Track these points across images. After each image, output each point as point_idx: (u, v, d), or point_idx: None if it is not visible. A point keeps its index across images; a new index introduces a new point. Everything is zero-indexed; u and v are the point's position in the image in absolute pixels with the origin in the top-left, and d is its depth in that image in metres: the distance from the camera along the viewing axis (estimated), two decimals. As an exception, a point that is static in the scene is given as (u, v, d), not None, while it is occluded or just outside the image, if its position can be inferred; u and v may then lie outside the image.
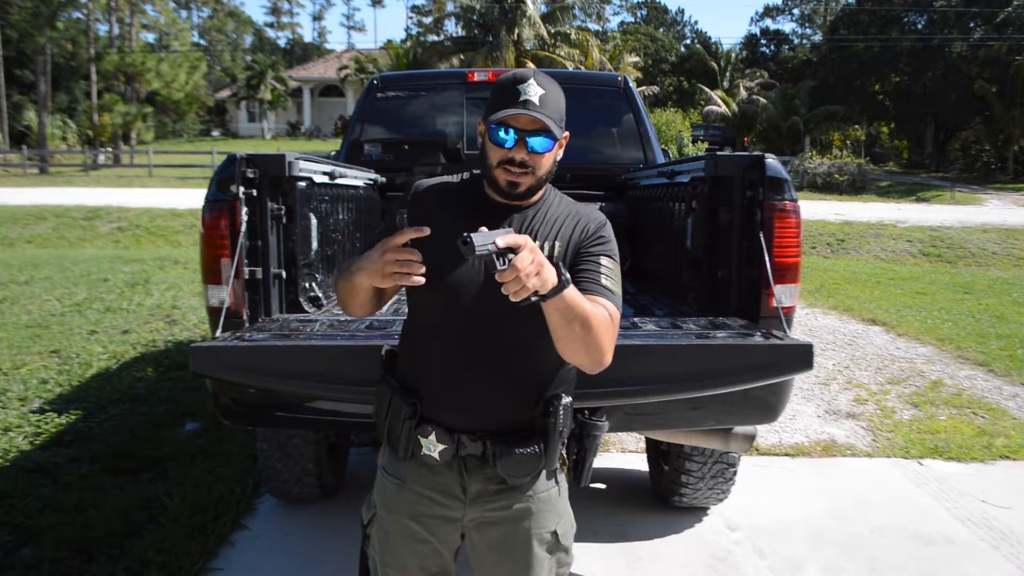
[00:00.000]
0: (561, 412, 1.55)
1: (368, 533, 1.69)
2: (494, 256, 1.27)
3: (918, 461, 4.15)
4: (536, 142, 1.48)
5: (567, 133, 1.55)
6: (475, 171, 1.64)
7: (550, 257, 1.51)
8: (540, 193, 1.59)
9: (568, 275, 1.35)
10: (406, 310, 1.69)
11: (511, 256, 1.27)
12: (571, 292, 1.35)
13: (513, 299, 1.28)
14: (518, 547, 1.61)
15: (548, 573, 1.65)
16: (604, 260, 1.54)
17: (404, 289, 1.58)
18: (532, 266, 1.27)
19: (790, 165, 23.49)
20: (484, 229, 1.29)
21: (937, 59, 30.75)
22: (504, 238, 1.27)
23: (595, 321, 1.39)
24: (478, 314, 1.50)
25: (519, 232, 1.44)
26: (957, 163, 34.87)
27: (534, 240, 1.43)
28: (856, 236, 14.02)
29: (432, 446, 1.54)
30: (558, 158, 1.57)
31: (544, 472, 1.60)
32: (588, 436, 1.65)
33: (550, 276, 1.30)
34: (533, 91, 1.47)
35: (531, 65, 27.40)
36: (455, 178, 1.66)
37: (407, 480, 1.60)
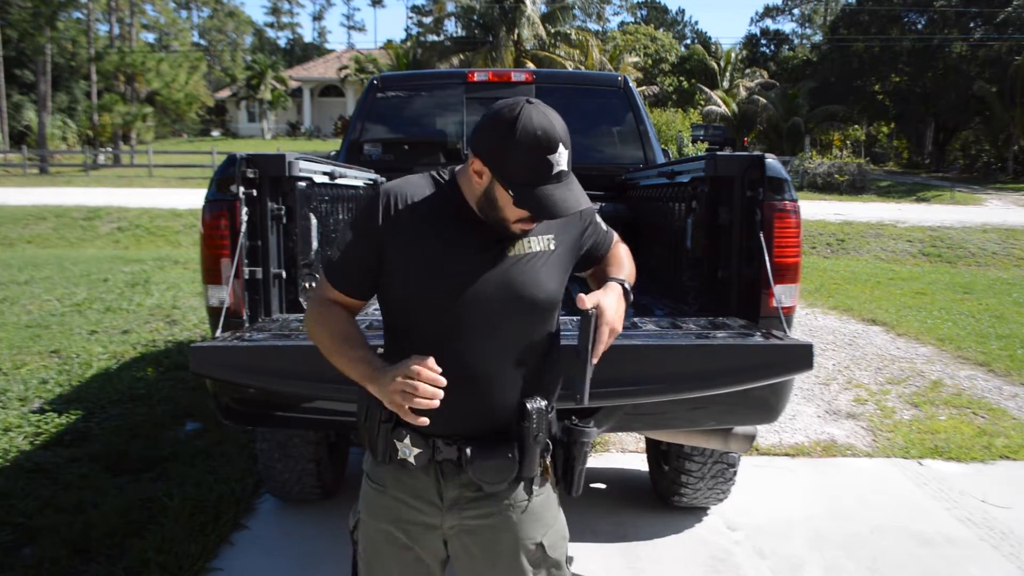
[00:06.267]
0: (535, 416, 1.50)
1: (355, 539, 1.67)
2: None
3: (918, 461, 4.15)
4: None
5: None
6: (442, 172, 1.56)
7: (547, 250, 1.56)
8: None
9: (627, 284, 1.62)
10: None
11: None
12: (628, 278, 1.65)
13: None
14: (500, 557, 1.58)
15: None
16: (597, 218, 1.73)
17: (380, 301, 1.59)
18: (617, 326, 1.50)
19: (790, 165, 23.49)
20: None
21: (937, 59, 30.73)
22: (597, 348, 1.47)
23: (631, 261, 1.76)
24: (458, 324, 1.48)
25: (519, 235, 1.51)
26: (957, 163, 34.87)
27: (530, 237, 1.52)
28: (856, 236, 14.02)
29: (408, 450, 1.52)
30: None
31: (524, 480, 1.57)
32: (575, 443, 1.59)
33: (622, 312, 1.54)
34: (564, 159, 1.41)
35: (530, 65, 27.39)
36: (423, 180, 1.56)
37: (387, 485, 1.58)
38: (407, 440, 1.51)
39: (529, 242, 1.53)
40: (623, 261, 1.73)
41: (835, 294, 9.34)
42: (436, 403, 1.37)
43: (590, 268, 1.75)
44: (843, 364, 6.09)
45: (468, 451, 1.50)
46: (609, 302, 1.50)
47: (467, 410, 1.50)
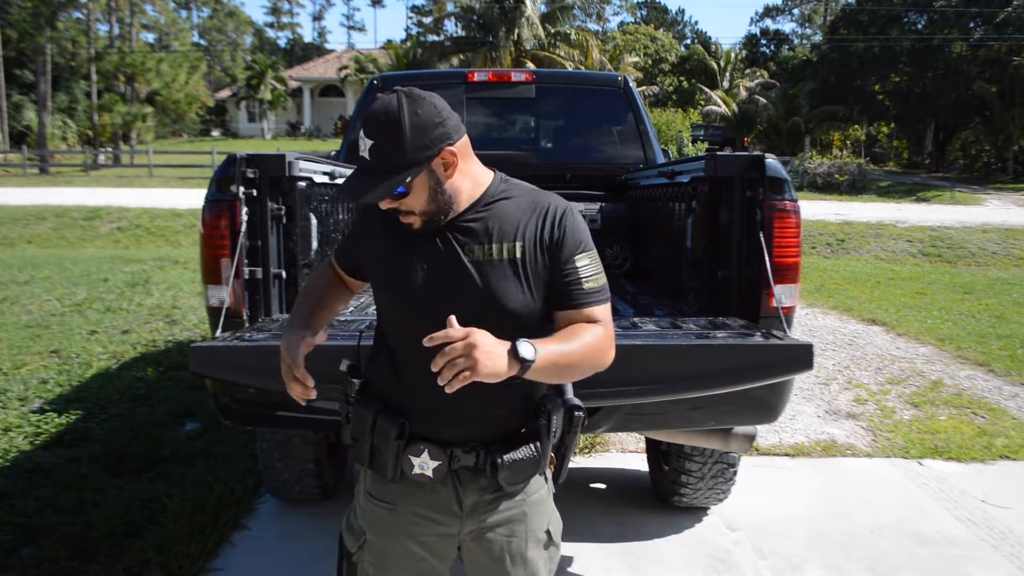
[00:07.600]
0: (553, 414, 1.51)
1: (355, 560, 1.64)
2: None
3: (918, 461, 4.15)
4: None
5: (447, 148, 1.39)
6: None
7: (512, 259, 1.44)
8: (479, 199, 1.47)
9: (528, 353, 1.29)
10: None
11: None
12: (545, 355, 1.32)
13: (448, 390, 1.25)
14: (518, 551, 1.59)
15: (547, 572, 1.64)
16: (580, 261, 1.46)
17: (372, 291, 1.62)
18: (463, 360, 1.23)
19: (790, 165, 23.50)
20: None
21: (937, 59, 30.73)
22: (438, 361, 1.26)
23: (587, 353, 1.41)
24: (433, 330, 1.41)
25: (482, 233, 1.46)
26: (957, 163, 34.87)
27: (492, 244, 1.45)
28: (856, 236, 14.02)
29: (425, 464, 1.49)
30: (441, 186, 1.42)
31: (539, 474, 1.58)
32: (570, 432, 1.58)
33: (497, 367, 1.26)
34: (365, 146, 1.38)
35: (530, 65, 27.37)
36: None
37: (398, 503, 1.55)
38: (425, 454, 1.49)
39: (491, 248, 1.45)
40: (577, 340, 1.41)
41: (835, 294, 9.34)
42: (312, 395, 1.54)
43: (557, 309, 1.49)
44: (843, 364, 6.09)
45: (494, 456, 1.48)
46: (481, 337, 1.27)
47: (475, 416, 1.49)
